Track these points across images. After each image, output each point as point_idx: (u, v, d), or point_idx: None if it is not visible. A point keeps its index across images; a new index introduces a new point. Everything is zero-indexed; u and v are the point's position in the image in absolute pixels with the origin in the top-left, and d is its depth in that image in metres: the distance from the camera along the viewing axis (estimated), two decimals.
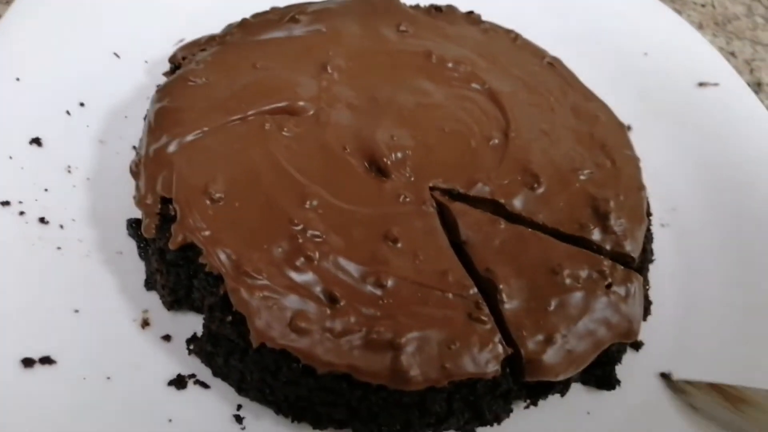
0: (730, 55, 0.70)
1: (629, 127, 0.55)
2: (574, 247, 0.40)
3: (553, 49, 0.57)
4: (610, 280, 0.39)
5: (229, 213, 0.36)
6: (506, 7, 0.59)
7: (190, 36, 0.51)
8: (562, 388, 0.39)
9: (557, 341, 0.36)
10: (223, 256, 0.35)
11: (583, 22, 0.61)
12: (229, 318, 0.34)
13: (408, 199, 0.39)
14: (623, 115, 0.56)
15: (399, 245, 0.37)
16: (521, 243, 0.39)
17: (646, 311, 0.43)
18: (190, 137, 0.39)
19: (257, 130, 0.40)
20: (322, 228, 0.36)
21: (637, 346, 0.43)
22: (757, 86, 0.67)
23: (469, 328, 0.35)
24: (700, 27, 0.72)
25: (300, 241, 0.36)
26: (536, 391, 0.38)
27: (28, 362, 0.32)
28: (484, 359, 0.35)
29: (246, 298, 0.34)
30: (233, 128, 0.40)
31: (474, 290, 0.37)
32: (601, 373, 0.41)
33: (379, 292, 0.35)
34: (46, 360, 0.33)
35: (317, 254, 0.35)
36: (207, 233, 0.35)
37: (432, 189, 0.41)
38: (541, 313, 0.37)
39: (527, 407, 0.39)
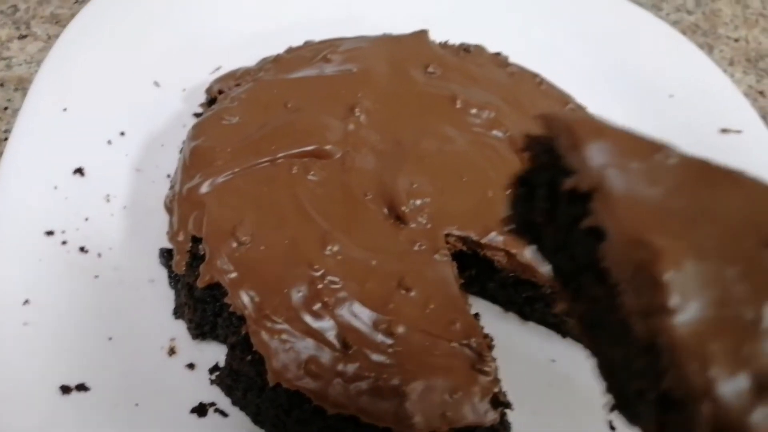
0: (759, 94, 0.69)
1: None
2: None
3: (581, 86, 0.58)
4: None
5: (254, 256, 0.39)
6: (535, 44, 0.60)
7: (227, 64, 0.53)
8: None
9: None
10: (246, 299, 0.37)
11: (612, 60, 0.62)
12: (249, 357, 0.37)
13: (423, 247, 0.41)
14: None
15: (412, 294, 0.39)
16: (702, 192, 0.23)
17: None
18: (221, 178, 0.41)
19: (285, 173, 0.42)
20: (341, 274, 0.39)
21: None
22: None
23: (471, 378, 0.37)
24: (731, 63, 0.72)
25: (319, 286, 0.38)
26: None
27: (65, 389, 0.36)
28: (484, 409, 0.37)
29: (265, 340, 0.36)
30: (262, 170, 0.42)
31: (478, 340, 0.39)
32: None
33: (389, 340, 0.37)
34: (82, 387, 0.36)
35: (333, 300, 0.38)
36: (233, 275, 0.38)
37: (447, 236, 0.42)
38: (745, 331, 0.21)
39: None
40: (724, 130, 0.58)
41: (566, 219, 0.24)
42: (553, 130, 0.24)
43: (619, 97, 0.59)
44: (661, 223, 0.21)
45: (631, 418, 0.23)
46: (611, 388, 0.24)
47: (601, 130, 0.23)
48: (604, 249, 0.22)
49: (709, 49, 0.73)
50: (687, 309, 0.20)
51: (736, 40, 0.75)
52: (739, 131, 0.57)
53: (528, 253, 0.42)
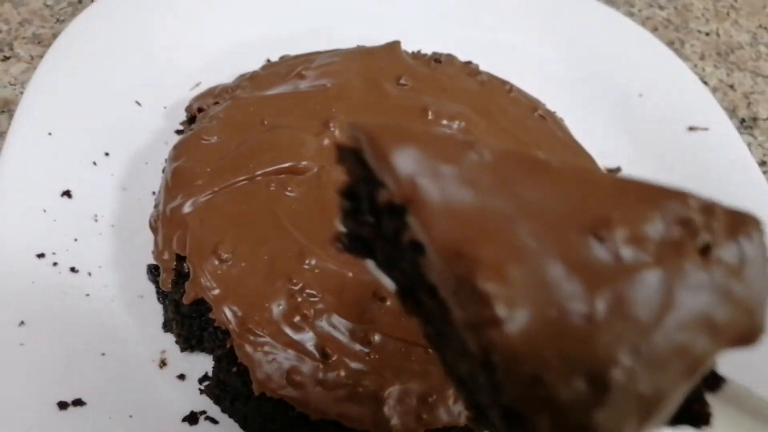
0: (729, 87, 0.71)
1: (619, 169, 0.58)
2: (627, 183, 0.23)
3: (551, 89, 0.60)
4: (706, 237, 0.21)
5: (235, 272, 0.41)
6: (506, 49, 0.62)
7: (206, 80, 0.55)
8: None
9: (615, 383, 0.19)
10: (229, 314, 0.39)
11: (582, 62, 0.64)
12: (234, 369, 0.39)
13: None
14: (615, 156, 0.59)
15: (387, 303, 0.41)
16: (521, 188, 0.22)
17: None
18: (202, 198, 0.43)
19: (263, 191, 0.44)
20: (318, 287, 0.41)
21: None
22: (753, 121, 0.69)
23: (445, 382, 0.40)
24: (702, 58, 0.74)
25: (298, 299, 0.40)
26: None
27: (62, 405, 0.38)
28: (457, 410, 0.39)
29: (249, 353, 0.39)
30: (241, 188, 0.44)
31: None
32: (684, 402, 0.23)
33: (366, 348, 0.40)
34: (78, 402, 0.38)
35: (312, 312, 0.40)
36: (216, 292, 0.40)
37: None
38: (576, 330, 0.19)
39: None
40: (692, 128, 0.60)
41: (390, 233, 0.22)
42: (357, 141, 0.22)
43: (589, 98, 0.61)
44: (478, 230, 0.20)
45: (487, 429, 0.22)
46: (465, 401, 0.23)
47: (406, 134, 0.21)
48: (424, 263, 0.21)
49: (680, 44, 0.75)
50: (515, 318, 0.18)
51: (707, 34, 0.76)
52: (706, 129, 0.59)
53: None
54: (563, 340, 0.19)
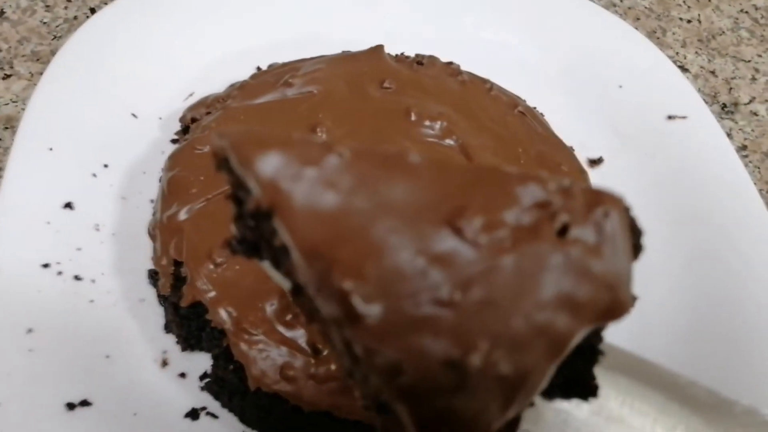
0: (711, 74, 0.73)
1: (601, 159, 0.60)
2: (487, 170, 0.23)
3: (534, 84, 0.62)
4: (564, 217, 0.22)
5: (229, 275, 0.43)
6: (487, 46, 0.64)
7: (199, 89, 0.57)
8: None
9: (475, 367, 0.20)
10: (225, 315, 0.42)
11: (564, 56, 0.65)
12: (231, 366, 0.42)
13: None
14: (596, 147, 0.61)
15: None
16: (381, 185, 0.22)
17: (637, 248, 0.25)
18: (197, 205, 0.46)
19: None
20: None
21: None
22: (734, 106, 0.70)
23: None
24: (683, 45, 0.75)
25: (289, 299, 0.42)
26: None
27: (70, 406, 0.40)
28: None
29: (244, 351, 0.41)
30: None
31: None
32: (569, 377, 0.25)
33: None
34: (85, 403, 0.41)
35: None
36: (212, 294, 0.42)
37: None
38: (434, 321, 0.20)
39: None
40: (671, 117, 0.61)
41: (266, 237, 0.23)
42: (223, 149, 0.22)
43: (570, 91, 0.63)
44: (337, 230, 0.20)
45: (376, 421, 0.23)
46: (360, 395, 0.24)
47: (267, 140, 0.21)
48: (292, 266, 0.22)
49: (662, 32, 0.76)
50: (371, 312, 0.19)
51: (689, 21, 0.77)
52: (684, 117, 0.61)
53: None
54: (421, 331, 0.19)
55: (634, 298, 0.23)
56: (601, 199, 0.23)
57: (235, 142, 0.22)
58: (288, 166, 0.21)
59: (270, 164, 0.21)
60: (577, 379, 0.24)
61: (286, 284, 0.25)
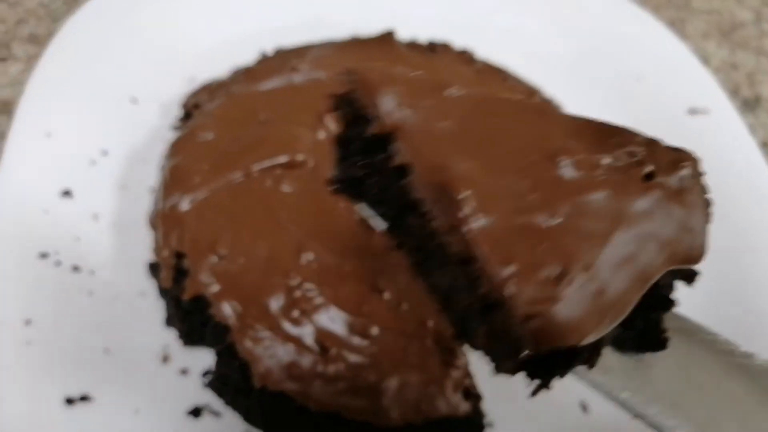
0: (732, 67, 0.70)
1: None
2: (582, 121, 0.27)
3: (549, 74, 0.60)
4: (650, 166, 0.26)
5: (234, 269, 0.41)
6: (502, 33, 0.62)
7: (200, 74, 0.55)
8: (590, 356, 0.25)
9: (576, 278, 0.22)
10: (229, 310, 0.40)
11: (583, 44, 0.63)
12: (236, 363, 0.40)
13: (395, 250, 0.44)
14: None
15: (385, 295, 0.42)
16: (490, 120, 0.26)
17: (708, 204, 0.28)
18: (200, 195, 0.44)
19: (259, 187, 0.44)
20: (316, 281, 0.41)
21: (692, 276, 0.28)
22: (755, 101, 0.68)
23: (444, 373, 0.40)
24: (704, 37, 0.73)
25: (296, 294, 0.41)
26: (546, 366, 0.24)
27: (70, 401, 0.39)
28: (456, 400, 0.40)
29: (249, 348, 0.39)
30: (238, 185, 0.44)
31: (449, 337, 0.41)
32: (643, 327, 0.27)
33: (365, 341, 0.40)
34: (85, 398, 0.39)
35: (310, 307, 0.40)
36: (215, 288, 0.40)
37: None
38: (540, 232, 0.23)
39: (534, 394, 0.26)
40: (693, 111, 0.59)
41: (379, 164, 0.26)
42: (351, 86, 0.27)
43: (588, 81, 0.61)
44: (455, 149, 0.24)
45: (467, 339, 0.26)
46: (450, 319, 0.27)
47: (393, 77, 0.26)
48: (411, 181, 0.25)
49: (682, 23, 0.74)
50: (487, 216, 0.22)
51: (709, 13, 0.75)
52: (706, 111, 0.59)
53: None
54: (529, 239, 0.22)
55: (705, 249, 0.26)
56: (681, 155, 0.26)
57: (363, 78, 0.26)
58: (409, 97, 0.25)
59: (393, 94, 0.25)
60: (649, 331, 0.27)
61: (380, 224, 0.28)
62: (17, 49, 0.58)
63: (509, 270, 0.22)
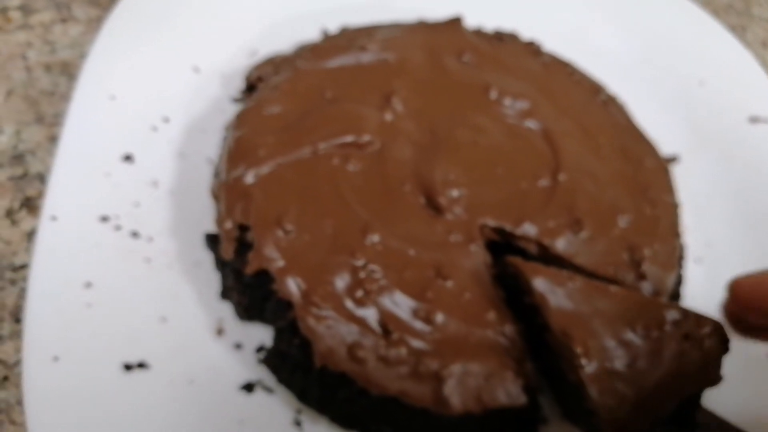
0: None
1: (677, 158, 0.57)
2: (645, 298, 0.41)
3: (611, 73, 0.59)
4: (685, 328, 0.39)
5: (299, 245, 0.41)
6: (566, 29, 0.61)
7: (263, 48, 0.54)
8: None
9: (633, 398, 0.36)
10: (293, 287, 0.39)
11: (644, 46, 0.62)
12: (297, 341, 0.39)
13: (459, 237, 0.43)
14: (672, 143, 0.58)
15: (448, 283, 0.41)
16: (594, 298, 0.39)
17: (725, 350, 0.39)
18: (265, 168, 0.43)
19: (325, 164, 0.44)
20: (381, 263, 0.40)
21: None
22: None
23: (504, 363, 0.39)
24: (764, 45, 0.71)
25: (360, 275, 0.40)
26: None
27: (128, 367, 0.38)
28: (516, 392, 0.39)
29: (312, 326, 0.39)
30: (304, 161, 0.44)
31: (510, 328, 0.41)
32: (677, 416, 0.39)
33: (428, 327, 0.39)
34: (142, 365, 0.39)
35: (375, 288, 0.40)
36: (280, 264, 0.40)
37: (482, 227, 0.44)
38: (621, 373, 0.37)
39: None
40: (754, 119, 0.58)
41: (533, 320, 0.41)
42: (507, 266, 0.42)
43: (648, 83, 0.60)
44: (573, 321, 0.38)
45: (577, 422, 0.41)
46: (564, 410, 0.42)
47: (541, 268, 0.40)
48: (549, 337, 0.40)
49: (742, 30, 0.72)
50: (592, 364, 0.37)
51: None
52: (767, 121, 0.58)
53: (560, 245, 0.44)
54: (624, 381, 0.37)
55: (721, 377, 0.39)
56: (707, 321, 0.39)
57: (521, 269, 0.41)
58: (549, 283, 0.39)
59: (541, 281, 0.40)
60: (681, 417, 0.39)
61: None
62: (78, 11, 0.57)
63: (603, 396, 0.36)
